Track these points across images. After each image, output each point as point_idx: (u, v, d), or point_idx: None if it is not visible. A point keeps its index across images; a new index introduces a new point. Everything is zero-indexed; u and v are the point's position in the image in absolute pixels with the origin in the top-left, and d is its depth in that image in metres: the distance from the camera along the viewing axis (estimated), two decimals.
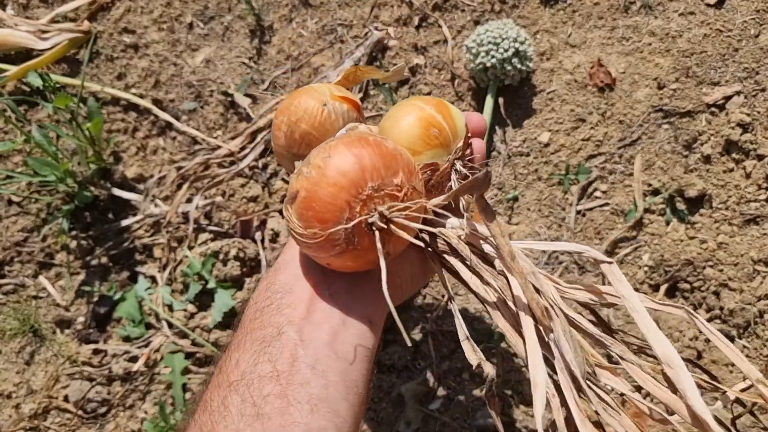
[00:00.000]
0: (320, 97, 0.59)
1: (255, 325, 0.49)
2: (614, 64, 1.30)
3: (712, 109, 1.24)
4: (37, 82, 1.24)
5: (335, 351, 0.47)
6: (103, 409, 1.20)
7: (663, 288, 1.17)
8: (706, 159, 1.22)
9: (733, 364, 1.11)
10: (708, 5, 1.30)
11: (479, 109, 1.32)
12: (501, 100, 1.30)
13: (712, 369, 1.11)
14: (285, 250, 0.57)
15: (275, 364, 0.45)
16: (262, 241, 1.26)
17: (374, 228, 0.46)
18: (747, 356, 1.11)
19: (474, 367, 0.46)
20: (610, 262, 0.50)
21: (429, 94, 1.34)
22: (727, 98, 1.24)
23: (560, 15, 1.35)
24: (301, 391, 0.44)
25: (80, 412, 1.20)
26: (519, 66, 1.24)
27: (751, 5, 1.28)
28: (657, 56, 1.29)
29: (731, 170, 1.20)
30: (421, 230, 0.50)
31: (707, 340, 1.13)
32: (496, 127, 1.30)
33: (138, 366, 1.21)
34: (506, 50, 1.22)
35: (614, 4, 1.34)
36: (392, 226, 0.46)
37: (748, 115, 1.21)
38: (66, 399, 1.22)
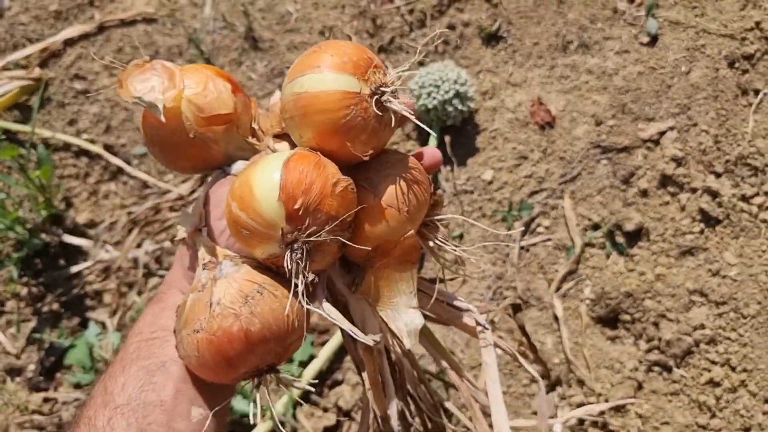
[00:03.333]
0: (185, 128, 0.52)
1: (142, 354, 0.52)
2: (554, 102, 1.34)
3: (648, 144, 1.28)
4: None
5: (211, 389, 0.51)
6: None
7: (606, 321, 1.20)
8: (644, 193, 1.26)
9: (673, 393, 1.14)
10: (642, 44, 1.35)
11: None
12: (447, 139, 1.34)
13: (652, 399, 1.14)
14: (166, 293, 0.58)
15: (160, 394, 0.49)
16: None
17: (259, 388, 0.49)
18: (685, 385, 1.14)
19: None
20: (486, 329, 0.55)
21: None
22: (662, 133, 1.28)
23: (501, 55, 1.40)
24: (181, 422, 0.48)
25: None
26: (460, 107, 1.28)
27: (682, 43, 1.33)
28: (594, 93, 1.34)
29: (667, 203, 1.24)
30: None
31: (647, 371, 1.16)
32: (441, 167, 1.33)
33: None
34: (447, 92, 1.26)
35: (553, 43, 1.38)
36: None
37: (681, 149, 1.25)
38: None
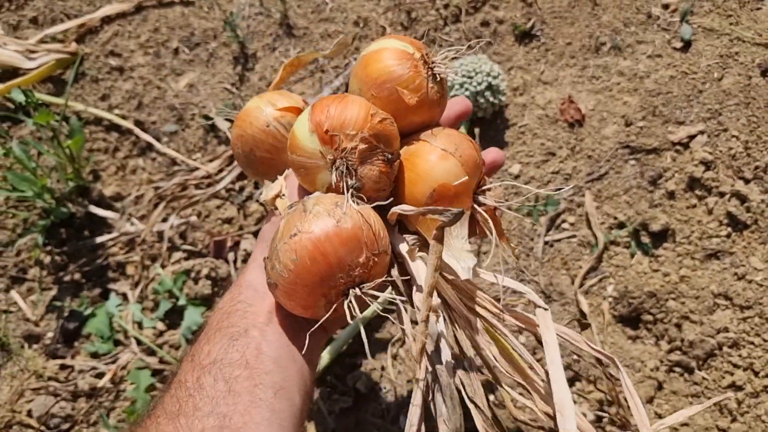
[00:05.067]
0: (262, 119, 0.63)
1: (223, 324, 0.56)
2: (584, 101, 1.35)
3: (677, 147, 1.28)
4: (21, 98, 1.26)
5: (292, 353, 0.54)
6: (66, 425, 1.20)
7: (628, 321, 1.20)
8: (671, 195, 1.25)
9: (693, 395, 1.13)
10: (675, 49, 1.36)
11: None
12: (477, 131, 1.34)
13: (672, 400, 1.13)
14: (248, 270, 0.63)
15: (244, 353, 0.52)
16: (235, 261, 1.27)
17: (349, 300, 0.51)
18: (706, 387, 1.12)
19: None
20: (545, 309, 0.53)
21: None
22: (691, 137, 1.28)
23: (534, 53, 1.41)
24: (266, 377, 0.51)
25: (43, 428, 1.19)
26: (492, 99, 1.28)
27: (716, 50, 1.33)
28: (625, 95, 1.34)
29: (694, 206, 1.24)
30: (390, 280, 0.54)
31: (668, 371, 1.15)
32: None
33: (104, 382, 1.21)
34: (480, 83, 1.27)
35: (585, 44, 1.39)
36: (363, 296, 0.51)
37: (710, 153, 1.25)
38: (29, 414, 1.21)
